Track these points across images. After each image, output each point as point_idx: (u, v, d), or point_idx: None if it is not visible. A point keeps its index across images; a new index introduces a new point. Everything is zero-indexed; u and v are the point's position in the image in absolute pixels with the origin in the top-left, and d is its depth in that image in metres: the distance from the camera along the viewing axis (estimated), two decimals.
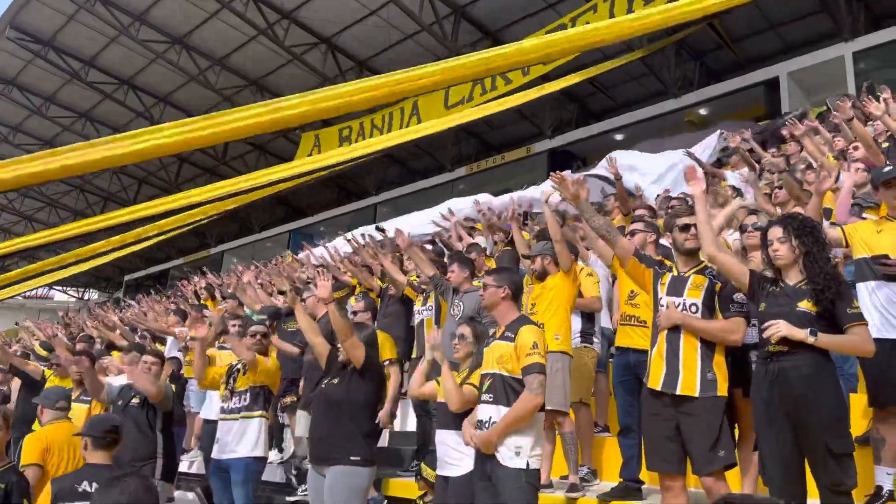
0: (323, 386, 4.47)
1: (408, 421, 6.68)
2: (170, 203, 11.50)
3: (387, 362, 5.73)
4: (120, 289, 33.24)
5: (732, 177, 8.02)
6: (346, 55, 19.58)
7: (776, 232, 3.31)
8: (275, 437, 7.15)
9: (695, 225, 3.63)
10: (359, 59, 19.70)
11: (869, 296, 3.73)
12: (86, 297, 37.82)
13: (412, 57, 18.67)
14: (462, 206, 10.81)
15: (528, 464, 3.41)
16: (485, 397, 3.60)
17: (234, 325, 5.95)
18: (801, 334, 3.03)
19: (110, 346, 8.49)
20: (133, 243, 13.41)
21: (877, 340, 3.59)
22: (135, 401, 5.13)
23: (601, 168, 10.07)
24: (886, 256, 3.60)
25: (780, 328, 3.04)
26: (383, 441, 6.36)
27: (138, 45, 19.43)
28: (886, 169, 3.93)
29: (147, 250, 23.54)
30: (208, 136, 5.50)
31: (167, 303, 14.08)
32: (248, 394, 5.09)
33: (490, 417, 3.52)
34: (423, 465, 4.78)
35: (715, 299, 3.51)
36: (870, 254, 3.77)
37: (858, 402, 4.12)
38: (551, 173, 4.27)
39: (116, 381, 5.81)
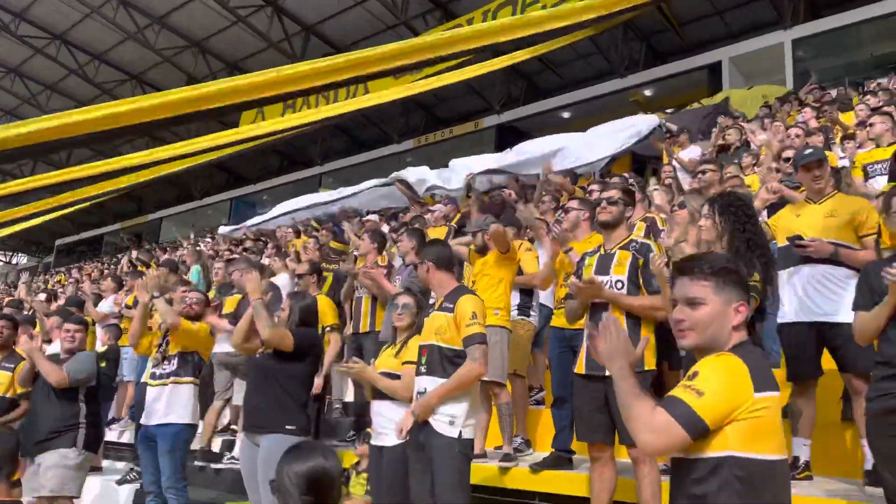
0: (257, 357, 4.40)
1: (346, 392, 6.67)
2: (107, 166, 11.08)
3: (328, 328, 5.71)
4: (50, 254, 32.02)
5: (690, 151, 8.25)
6: (294, 19, 19.10)
7: (704, 208, 3.42)
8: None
9: (609, 199, 3.76)
10: (306, 24, 19.25)
11: (787, 282, 3.87)
12: (14, 262, 36.34)
13: (361, 25, 18.39)
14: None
15: (461, 433, 3.44)
16: (422, 369, 3.61)
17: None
18: None
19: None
20: (65, 206, 12.91)
21: (794, 324, 3.79)
22: None
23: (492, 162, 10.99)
24: (800, 237, 3.72)
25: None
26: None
27: None
28: (807, 151, 4.06)
29: (80, 214, 22.71)
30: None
31: (103, 268, 13.71)
32: (177, 359, 4.98)
33: (426, 389, 3.53)
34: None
35: (639, 274, 3.58)
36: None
37: (779, 378, 4.30)
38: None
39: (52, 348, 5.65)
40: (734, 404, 1.76)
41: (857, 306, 3.03)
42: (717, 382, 1.79)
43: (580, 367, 3.61)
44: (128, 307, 7.49)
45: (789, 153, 5.59)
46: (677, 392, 1.80)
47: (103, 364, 7.19)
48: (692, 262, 2.02)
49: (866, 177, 5.76)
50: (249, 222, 14.35)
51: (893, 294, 2.78)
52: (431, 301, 3.92)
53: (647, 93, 17.55)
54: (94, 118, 5.06)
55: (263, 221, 13.89)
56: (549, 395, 5.05)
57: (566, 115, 18.47)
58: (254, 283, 4.19)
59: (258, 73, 6.25)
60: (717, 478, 1.76)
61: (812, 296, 3.75)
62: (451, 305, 3.56)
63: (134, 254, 8.65)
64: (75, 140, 5.13)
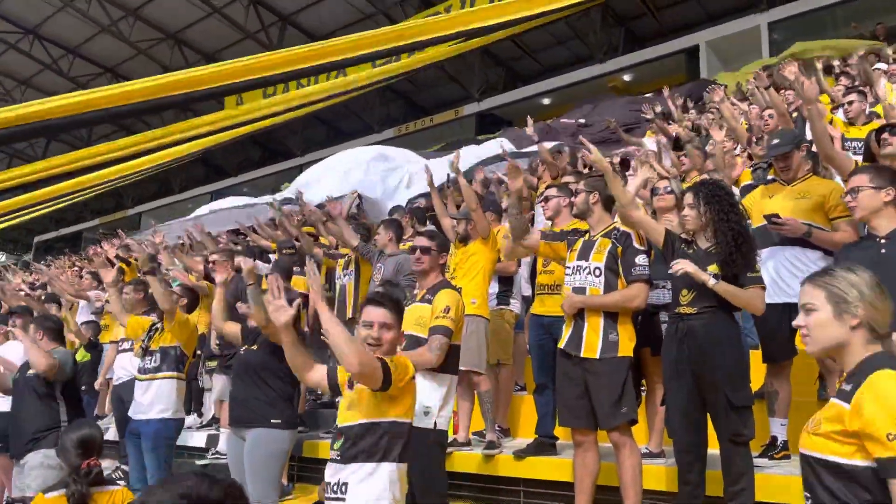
0: (241, 352, 4.42)
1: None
2: (85, 160, 10.94)
3: None
4: (29, 251, 31.63)
5: (649, 142, 8.27)
6: (270, 9, 18.92)
7: (688, 198, 3.45)
8: (193, 401, 7.06)
9: (554, 197, 3.97)
10: (283, 14, 19.10)
11: (762, 264, 3.93)
12: None
13: (339, 14, 18.26)
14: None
15: (435, 424, 3.47)
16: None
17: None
18: (705, 276, 3.21)
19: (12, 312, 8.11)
20: (43, 204, 12.74)
21: (769, 305, 3.82)
22: (31, 371, 4.92)
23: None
24: (777, 215, 3.77)
25: (682, 266, 3.20)
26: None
27: None
28: (774, 142, 4.09)
29: (58, 210, 22.42)
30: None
31: (84, 263, 13.51)
32: (159, 354, 4.97)
33: None
34: None
35: (618, 262, 3.63)
36: (762, 222, 3.94)
37: (756, 359, 4.38)
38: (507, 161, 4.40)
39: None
40: None
41: None
42: None
43: (562, 342, 3.68)
44: (107, 302, 7.45)
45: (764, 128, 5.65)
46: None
47: (88, 357, 7.19)
48: None
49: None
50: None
51: None
52: (414, 292, 3.95)
53: (626, 78, 17.62)
54: (68, 104, 5.06)
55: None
56: (531, 382, 5.11)
57: (546, 101, 18.50)
58: (247, 270, 4.25)
59: (234, 61, 6.25)
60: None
61: (785, 277, 3.82)
62: (432, 297, 3.60)
63: (112, 252, 8.52)
64: (48, 125, 5.11)
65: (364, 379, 2.59)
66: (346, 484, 2.65)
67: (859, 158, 5.59)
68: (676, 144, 7.18)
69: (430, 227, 6.34)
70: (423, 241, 3.80)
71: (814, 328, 1.90)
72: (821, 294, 1.89)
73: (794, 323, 1.96)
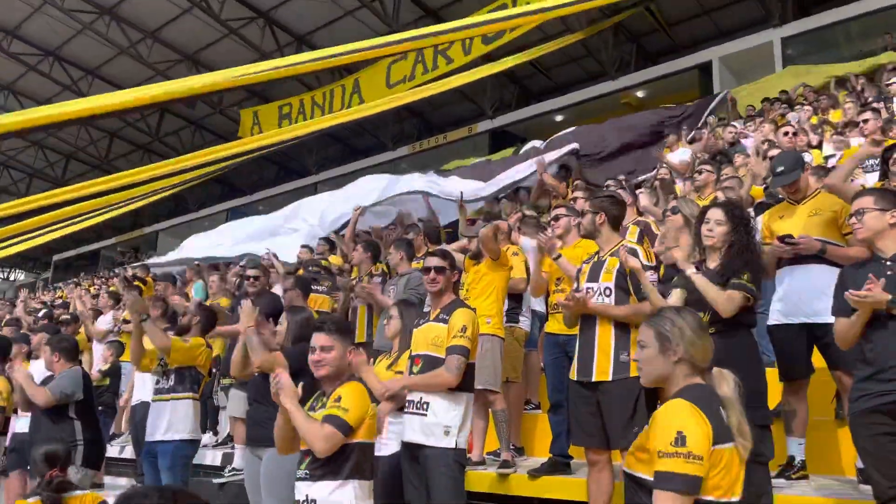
0: (257, 373, 4.45)
1: None
2: (106, 184, 11.13)
3: None
4: (48, 269, 32.02)
5: (680, 153, 8.29)
6: (285, 30, 19.16)
7: (716, 213, 3.43)
8: (209, 419, 7.10)
9: (563, 216, 4.17)
10: (297, 35, 19.32)
11: (776, 282, 3.92)
12: (12, 278, 36.31)
13: (353, 34, 18.41)
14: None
15: (456, 443, 3.49)
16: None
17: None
18: (686, 265, 3.34)
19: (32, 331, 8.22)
20: (63, 223, 12.93)
21: (784, 326, 3.84)
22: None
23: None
24: (790, 236, 3.76)
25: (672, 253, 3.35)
26: None
27: (64, 14, 18.56)
28: (778, 169, 4.06)
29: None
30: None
31: (102, 282, 13.66)
32: (174, 375, 5.02)
33: (420, 398, 3.58)
34: None
35: (627, 280, 3.63)
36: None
37: (772, 376, 4.35)
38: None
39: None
40: None
41: (836, 311, 3.07)
42: None
43: (573, 372, 3.67)
44: (125, 322, 7.53)
45: (774, 152, 5.65)
46: None
47: (107, 381, 7.25)
48: None
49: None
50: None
51: (863, 312, 2.84)
52: (426, 310, 3.97)
53: (639, 94, 17.63)
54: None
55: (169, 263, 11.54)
56: (545, 400, 5.10)
57: (559, 118, 18.54)
58: (246, 313, 4.19)
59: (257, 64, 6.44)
60: None
61: (801, 296, 3.80)
62: (447, 317, 3.62)
63: (129, 271, 8.63)
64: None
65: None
66: (314, 501, 2.97)
67: (874, 175, 5.60)
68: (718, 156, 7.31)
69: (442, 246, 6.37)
70: (436, 262, 3.80)
71: (643, 362, 2.27)
72: (650, 333, 2.25)
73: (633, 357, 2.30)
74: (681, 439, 1.98)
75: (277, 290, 6.75)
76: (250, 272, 5.95)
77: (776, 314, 3.91)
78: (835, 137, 7.23)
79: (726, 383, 2.21)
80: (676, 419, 2.04)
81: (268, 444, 4.19)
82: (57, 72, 21.45)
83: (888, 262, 2.94)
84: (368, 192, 9.36)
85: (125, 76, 21.41)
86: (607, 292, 3.64)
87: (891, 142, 4.84)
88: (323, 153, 23.64)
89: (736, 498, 2.07)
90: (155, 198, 15.29)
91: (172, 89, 6.11)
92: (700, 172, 6.12)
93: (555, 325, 4.51)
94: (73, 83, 21.70)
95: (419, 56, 17.69)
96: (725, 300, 3.23)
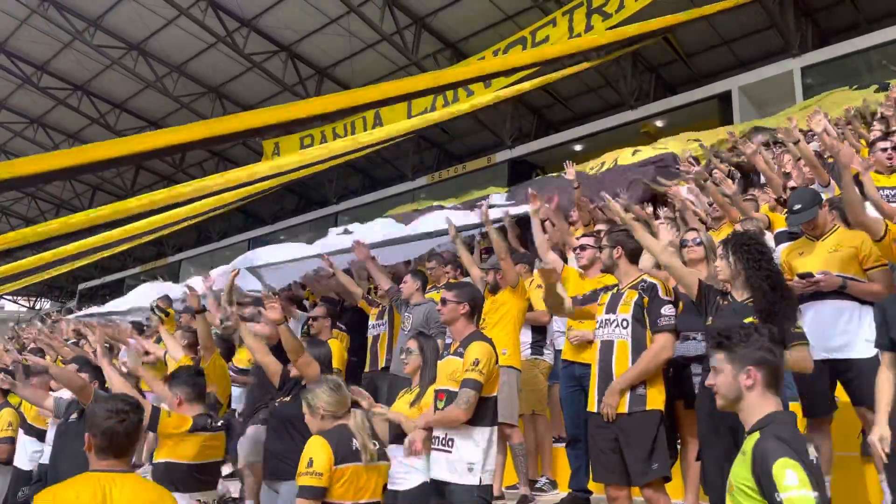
0: (277, 404, 4.46)
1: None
2: (127, 208, 11.29)
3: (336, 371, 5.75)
4: (73, 298, 32.44)
5: (684, 191, 8.21)
6: (307, 63, 19.50)
7: (718, 250, 3.44)
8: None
9: (589, 245, 4.25)
10: (319, 68, 19.65)
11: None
12: (37, 307, 36.82)
13: (373, 67, 18.74)
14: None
15: (480, 479, 3.47)
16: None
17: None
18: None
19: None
20: (90, 252, 13.11)
21: None
22: (73, 416, 5.03)
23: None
24: (810, 274, 3.73)
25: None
26: None
27: (93, 50, 19.07)
28: (795, 207, 4.01)
29: (102, 258, 23.07)
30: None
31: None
32: None
33: (445, 434, 3.57)
34: None
35: (644, 313, 3.62)
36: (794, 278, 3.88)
37: (794, 411, 4.28)
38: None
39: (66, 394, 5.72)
40: None
41: (878, 345, 3.03)
42: None
43: (591, 405, 3.64)
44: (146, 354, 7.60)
45: (794, 183, 5.61)
46: None
47: None
48: None
49: None
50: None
51: None
52: (447, 342, 3.98)
53: (659, 123, 17.64)
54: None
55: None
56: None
57: (578, 147, 18.58)
58: (276, 311, 4.30)
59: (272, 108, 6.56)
60: None
61: (823, 332, 3.75)
62: (463, 350, 3.63)
63: (154, 300, 8.73)
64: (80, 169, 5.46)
65: None
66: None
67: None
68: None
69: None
70: (443, 293, 3.90)
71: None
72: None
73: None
74: None
75: None
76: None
77: None
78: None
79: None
80: None
81: (286, 478, 4.19)
82: (85, 105, 21.97)
83: None
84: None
85: (151, 109, 21.87)
86: (624, 324, 3.64)
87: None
88: (343, 183, 23.86)
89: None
90: (179, 226, 15.47)
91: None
92: (712, 204, 6.08)
93: (570, 353, 4.50)
94: (100, 116, 22.19)
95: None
96: (805, 359, 3.14)
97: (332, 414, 3.30)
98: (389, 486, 3.99)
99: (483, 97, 14.92)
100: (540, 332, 5.19)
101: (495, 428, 3.68)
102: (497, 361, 3.74)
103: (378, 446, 3.37)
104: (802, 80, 14.88)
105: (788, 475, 2.02)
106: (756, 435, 2.21)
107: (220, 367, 5.16)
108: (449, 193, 17.34)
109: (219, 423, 4.22)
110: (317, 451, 3.18)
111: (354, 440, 3.23)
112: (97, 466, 2.68)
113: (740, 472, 2.20)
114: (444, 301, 3.84)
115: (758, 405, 2.28)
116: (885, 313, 3.01)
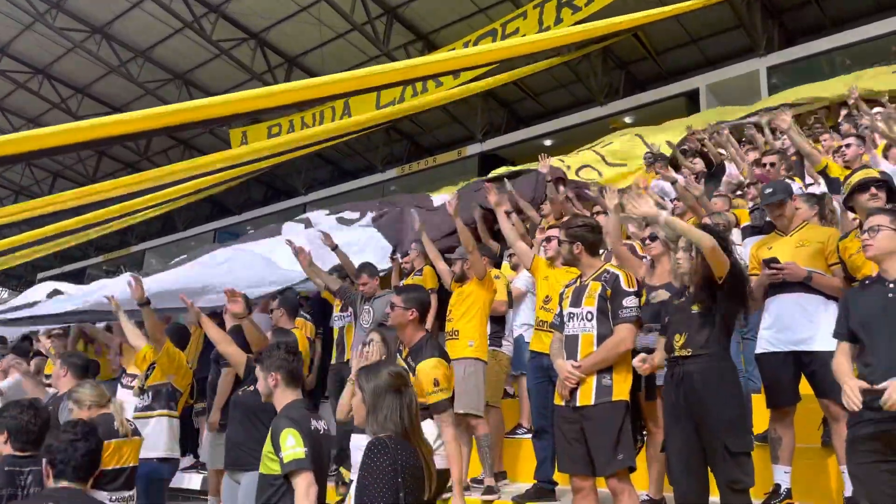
0: (240, 393, 4.39)
1: (330, 426, 6.61)
2: (91, 195, 11.03)
3: None
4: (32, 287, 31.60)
5: (656, 184, 8.28)
6: (276, 51, 19.23)
7: (680, 242, 3.46)
8: (189, 441, 6.98)
9: (556, 237, 4.15)
10: (288, 56, 19.38)
11: (764, 310, 3.93)
12: None
13: (344, 56, 18.55)
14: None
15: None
16: None
17: None
18: (655, 211, 3.44)
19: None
20: (50, 240, 12.81)
21: (771, 354, 3.86)
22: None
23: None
24: (776, 259, 3.78)
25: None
26: None
27: (55, 32, 18.54)
28: (767, 191, 4.12)
29: (61, 247, 22.51)
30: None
31: None
32: (151, 392, 4.96)
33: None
34: (341, 468, 4.75)
35: (608, 304, 3.63)
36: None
37: (760, 403, 4.33)
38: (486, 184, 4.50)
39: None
40: None
41: (837, 335, 3.07)
42: None
43: (558, 397, 3.64)
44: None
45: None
46: None
47: None
48: None
49: None
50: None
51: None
52: (399, 347, 3.96)
53: (627, 119, 17.76)
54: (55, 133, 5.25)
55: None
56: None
57: (548, 142, 18.64)
58: (238, 306, 4.65)
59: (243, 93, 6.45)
60: None
61: (788, 323, 3.80)
62: (413, 365, 3.62)
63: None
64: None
65: None
66: None
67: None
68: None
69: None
70: (392, 297, 4.00)
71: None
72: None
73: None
74: None
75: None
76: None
77: (763, 342, 3.91)
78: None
79: None
80: None
81: (247, 468, 4.11)
82: (46, 90, 21.39)
83: (891, 285, 2.93)
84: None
85: (115, 95, 21.37)
86: (588, 316, 3.64)
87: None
88: (312, 174, 23.62)
89: None
90: (142, 216, 15.19)
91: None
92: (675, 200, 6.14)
93: (538, 344, 4.49)
94: (62, 101, 21.63)
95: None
96: (709, 240, 3.23)
97: (97, 404, 3.99)
98: (353, 477, 3.94)
99: (452, 90, 14.93)
100: (498, 323, 5.17)
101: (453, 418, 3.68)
102: (451, 370, 3.81)
103: (133, 425, 4.11)
104: (768, 79, 15.11)
105: None
106: None
107: (176, 356, 5.03)
108: (419, 186, 17.26)
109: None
110: None
111: (115, 422, 3.92)
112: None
113: None
114: (392, 306, 3.87)
115: None
116: (847, 304, 3.05)
